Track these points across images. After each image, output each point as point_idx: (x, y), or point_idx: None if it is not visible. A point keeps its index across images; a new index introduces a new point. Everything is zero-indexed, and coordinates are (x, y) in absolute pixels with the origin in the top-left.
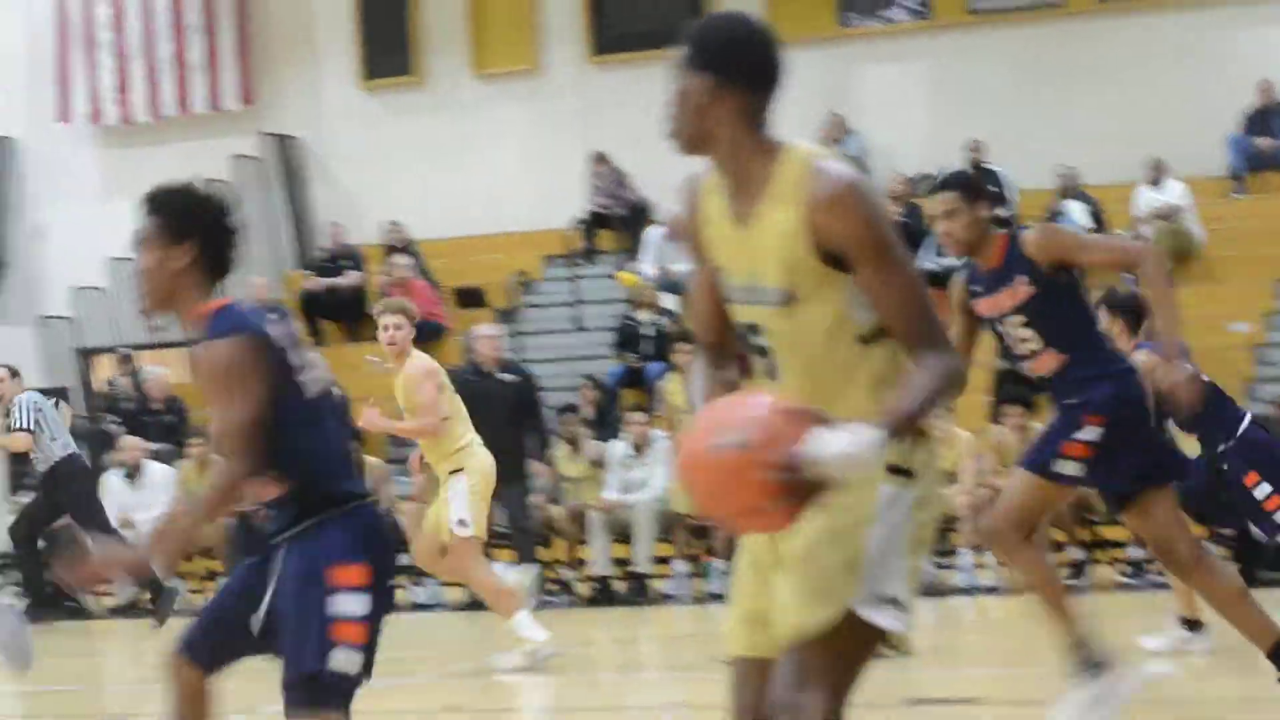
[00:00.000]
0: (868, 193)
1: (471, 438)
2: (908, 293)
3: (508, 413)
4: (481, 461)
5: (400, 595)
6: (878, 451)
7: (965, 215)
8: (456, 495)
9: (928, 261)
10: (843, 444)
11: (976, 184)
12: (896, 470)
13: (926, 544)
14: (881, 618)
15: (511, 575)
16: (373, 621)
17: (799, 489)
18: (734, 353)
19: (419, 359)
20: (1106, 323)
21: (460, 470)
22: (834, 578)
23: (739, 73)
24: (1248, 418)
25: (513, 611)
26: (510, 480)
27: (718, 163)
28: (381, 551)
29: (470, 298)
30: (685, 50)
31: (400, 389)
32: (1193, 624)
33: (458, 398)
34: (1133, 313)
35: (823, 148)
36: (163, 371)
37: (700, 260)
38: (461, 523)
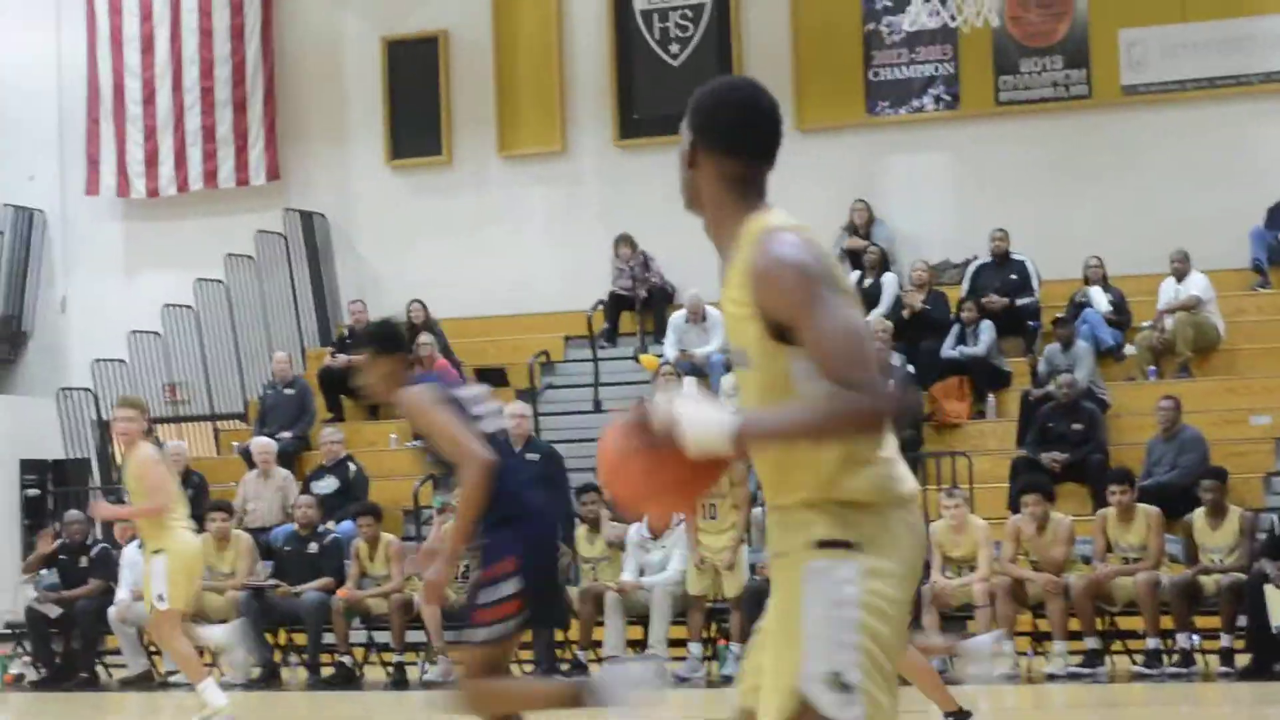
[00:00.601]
0: (797, 262)
1: (176, 522)
2: (834, 336)
3: None
4: (183, 543)
5: (412, 673)
6: (721, 433)
7: None
8: (156, 574)
9: (950, 350)
10: (695, 409)
11: None
12: (830, 543)
13: (891, 618)
14: (826, 700)
15: (216, 632)
16: None
17: (665, 458)
18: None
19: (146, 448)
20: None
21: (161, 550)
22: (782, 658)
23: (715, 137)
24: None
25: (201, 678)
26: None
27: (706, 223)
28: None
29: (491, 377)
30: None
31: (131, 475)
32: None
33: (171, 483)
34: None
35: (786, 217)
36: (181, 445)
37: None
38: (160, 598)
